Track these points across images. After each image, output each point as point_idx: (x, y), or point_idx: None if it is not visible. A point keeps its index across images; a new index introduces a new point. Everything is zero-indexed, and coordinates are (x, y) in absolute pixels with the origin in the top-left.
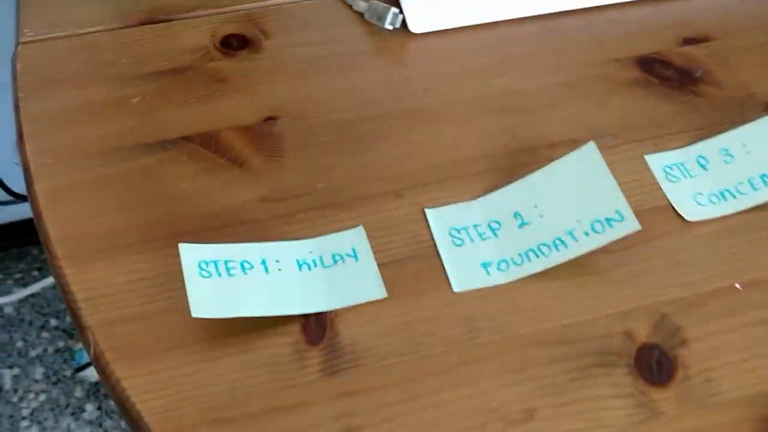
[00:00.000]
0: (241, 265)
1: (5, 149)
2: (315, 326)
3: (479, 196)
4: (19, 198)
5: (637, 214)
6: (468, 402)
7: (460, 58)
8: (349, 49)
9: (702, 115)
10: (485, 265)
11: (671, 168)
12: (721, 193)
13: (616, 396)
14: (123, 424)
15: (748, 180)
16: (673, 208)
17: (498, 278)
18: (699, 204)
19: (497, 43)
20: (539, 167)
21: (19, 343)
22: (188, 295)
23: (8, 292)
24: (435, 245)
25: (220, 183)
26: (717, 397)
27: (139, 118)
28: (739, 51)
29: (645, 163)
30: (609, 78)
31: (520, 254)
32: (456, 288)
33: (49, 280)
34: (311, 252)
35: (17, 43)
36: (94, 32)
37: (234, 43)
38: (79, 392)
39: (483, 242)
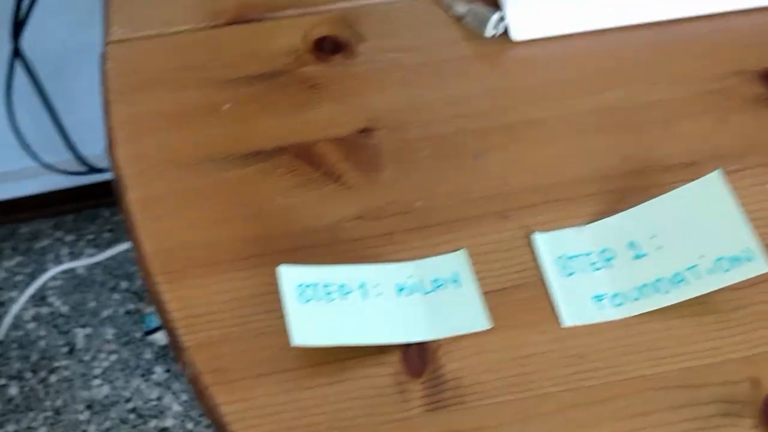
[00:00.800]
0: (340, 288)
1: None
2: (416, 357)
3: (590, 222)
4: (95, 170)
5: (765, 247)
6: None
7: (567, 68)
8: (448, 56)
9: None
10: (598, 299)
11: None
12: None
13: None
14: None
15: None
16: None
17: (612, 314)
18: None
19: (607, 52)
20: (653, 192)
21: (92, 304)
22: (287, 322)
23: (81, 254)
24: (542, 273)
25: (315, 198)
26: None
27: (230, 126)
28: None
29: None
30: (730, 93)
31: (636, 288)
32: (566, 322)
33: (122, 246)
34: (410, 276)
35: (106, 42)
36: (184, 31)
37: (328, 47)
38: (148, 354)
39: (594, 273)
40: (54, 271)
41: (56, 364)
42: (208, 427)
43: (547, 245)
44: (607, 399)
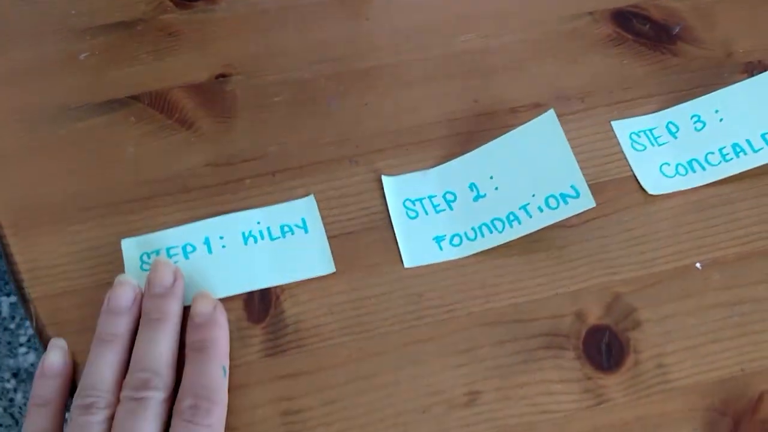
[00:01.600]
0: (183, 249)
1: None
2: (259, 303)
3: (437, 165)
4: None
5: (598, 185)
6: (412, 384)
7: (424, 12)
8: (309, 2)
9: (677, 77)
10: (438, 240)
11: (638, 135)
12: (689, 163)
13: (563, 381)
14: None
15: (719, 149)
16: (636, 179)
17: (450, 253)
18: (665, 175)
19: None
20: (499, 134)
21: None
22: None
23: None
24: (389, 217)
25: (167, 146)
26: (668, 384)
27: (86, 77)
28: (724, 3)
29: (611, 130)
30: (580, 34)
31: (473, 229)
32: (407, 263)
33: None
34: (258, 223)
35: None
36: None
37: None
38: None
39: (437, 215)
40: None
41: None
42: None
43: (394, 189)
44: (440, 336)
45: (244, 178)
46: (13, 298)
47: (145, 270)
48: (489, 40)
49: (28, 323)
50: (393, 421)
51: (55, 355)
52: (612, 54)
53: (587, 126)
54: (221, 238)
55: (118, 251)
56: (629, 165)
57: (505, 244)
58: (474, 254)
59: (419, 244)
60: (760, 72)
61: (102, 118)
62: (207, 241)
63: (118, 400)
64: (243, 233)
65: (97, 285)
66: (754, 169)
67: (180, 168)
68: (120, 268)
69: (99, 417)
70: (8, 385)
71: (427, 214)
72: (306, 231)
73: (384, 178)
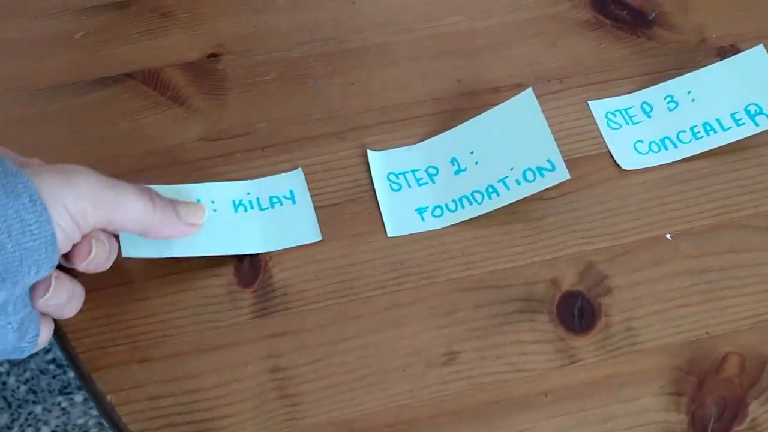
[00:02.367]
0: None
1: None
2: (248, 269)
3: (421, 141)
4: None
5: (574, 161)
6: (392, 345)
7: None
8: None
9: (652, 60)
10: (420, 211)
11: (614, 114)
12: (662, 141)
13: (537, 342)
14: None
15: (690, 128)
16: (611, 155)
17: (432, 224)
18: (638, 152)
19: None
20: (482, 112)
21: None
22: (119, 236)
23: None
24: (373, 189)
25: (160, 121)
26: (637, 345)
27: (82, 54)
28: None
29: (588, 109)
30: (561, 18)
31: (454, 201)
32: (390, 233)
33: None
34: (248, 193)
35: None
36: None
37: None
38: None
39: (420, 188)
40: None
41: None
42: None
43: (379, 163)
44: (419, 300)
45: (234, 153)
46: None
47: None
48: (474, 23)
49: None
50: (374, 379)
51: None
52: (590, 37)
53: (565, 105)
54: (213, 202)
55: None
56: (604, 142)
57: (484, 215)
58: (454, 225)
59: (402, 215)
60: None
61: (96, 94)
62: (198, 201)
63: None
64: (233, 201)
65: None
66: (726, 145)
67: (172, 142)
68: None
69: None
70: (1, 369)
71: (410, 186)
72: (294, 202)
73: (369, 153)
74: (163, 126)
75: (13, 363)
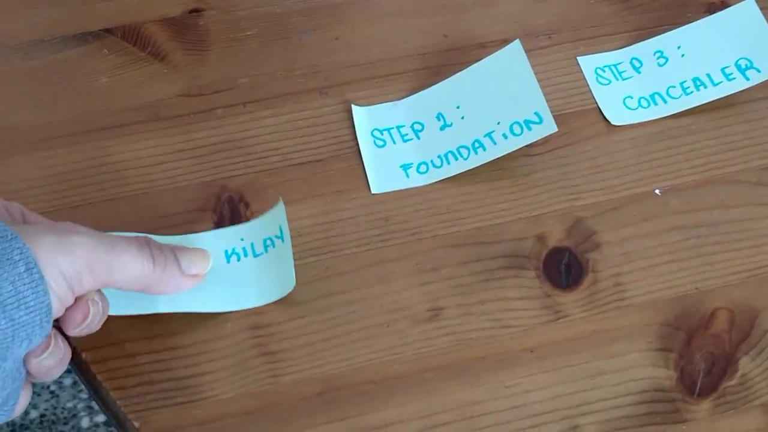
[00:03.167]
0: None
1: None
2: (229, 225)
3: (406, 96)
4: None
5: (563, 117)
6: (377, 301)
7: None
8: None
9: (642, 16)
10: (405, 167)
11: (603, 70)
12: (651, 97)
13: (523, 298)
14: None
15: (680, 83)
16: (600, 111)
17: (417, 180)
18: (628, 108)
19: None
20: (467, 68)
21: None
22: None
23: None
24: (358, 145)
25: (140, 77)
26: (625, 301)
27: (60, 9)
28: None
29: (577, 65)
30: None
31: (440, 156)
32: (374, 189)
33: None
34: (242, 239)
35: None
36: None
37: None
38: None
39: (405, 144)
40: None
41: None
42: None
43: (364, 118)
44: (405, 257)
45: (215, 108)
46: None
47: None
48: None
49: None
50: (357, 335)
51: None
52: None
53: (554, 61)
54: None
55: (91, 176)
56: (594, 98)
57: (470, 171)
58: (440, 181)
59: (386, 171)
60: None
61: (76, 50)
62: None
63: None
64: (226, 251)
65: (69, 207)
66: (715, 101)
67: (152, 98)
68: (90, 191)
69: None
70: None
71: (394, 143)
72: (282, 240)
73: (354, 108)
74: (143, 82)
75: None
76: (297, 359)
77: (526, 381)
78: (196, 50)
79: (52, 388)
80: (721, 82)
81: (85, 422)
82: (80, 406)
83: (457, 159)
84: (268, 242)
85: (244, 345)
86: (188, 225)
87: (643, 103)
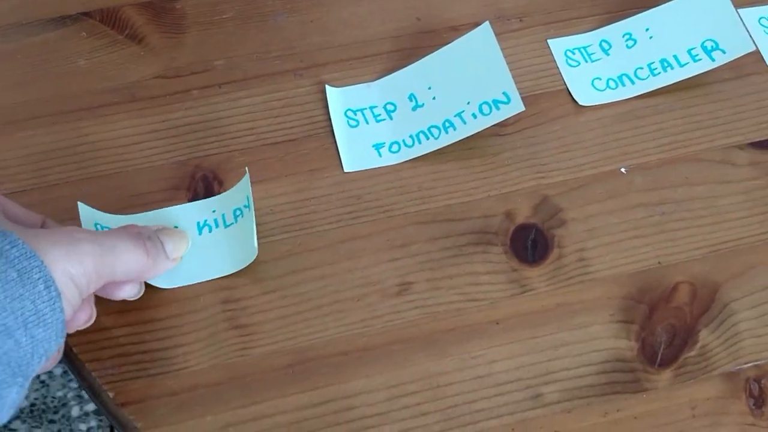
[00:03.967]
0: None
1: None
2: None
3: (379, 78)
4: None
5: (533, 98)
6: (348, 276)
7: None
8: None
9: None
10: (377, 147)
11: (573, 52)
12: (620, 78)
13: (490, 273)
14: None
15: (648, 65)
16: (569, 92)
17: (389, 159)
18: (596, 89)
19: None
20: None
21: None
22: None
23: None
24: (331, 126)
25: (117, 60)
26: (589, 275)
27: None
28: None
29: (547, 48)
30: None
31: (411, 136)
32: (347, 168)
33: None
34: (214, 211)
35: None
36: None
37: None
38: None
39: (378, 124)
40: None
41: None
42: None
43: (337, 99)
44: (376, 233)
45: (191, 89)
46: None
47: None
48: None
49: None
50: (328, 309)
51: None
52: None
53: (524, 44)
54: (176, 227)
55: (68, 156)
56: (563, 79)
57: (441, 150)
58: (411, 160)
59: (359, 150)
60: None
61: (54, 33)
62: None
63: None
64: (198, 223)
65: (47, 186)
66: (681, 82)
67: (129, 80)
68: (71, 168)
69: None
70: None
71: (367, 123)
72: (249, 208)
73: (328, 89)
74: (120, 64)
75: None
76: (268, 332)
77: (492, 352)
78: (173, 33)
79: (42, 377)
80: (687, 63)
81: (75, 411)
82: (70, 395)
83: (428, 138)
84: (238, 213)
85: (216, 318)
86: (163, 203)
87: (611, 84)
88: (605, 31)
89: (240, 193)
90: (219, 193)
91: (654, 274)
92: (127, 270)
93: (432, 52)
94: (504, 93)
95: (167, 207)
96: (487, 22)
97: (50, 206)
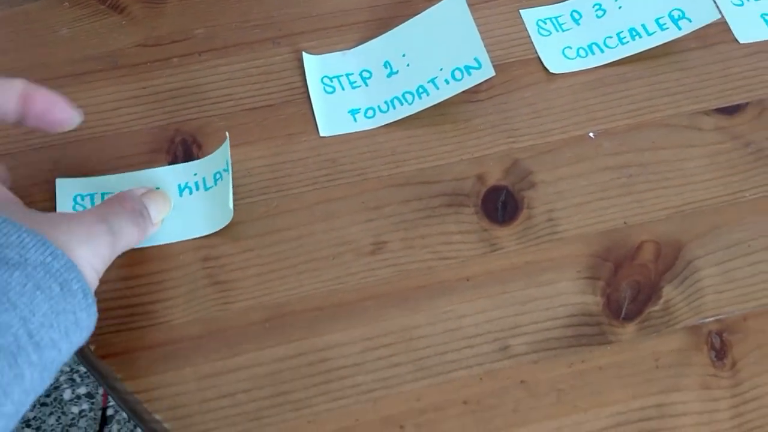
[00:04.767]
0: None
1: None
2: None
3: (356, 46)
4: None
5: (505, 66)
6: (323, 236)
7: None
8: None
9: None
10: (353, 112)
11: (545, 22)
12: (589, 47)
13: (461, 232)
14: None
15: (617, 34)
16: (540, 61)
17: (363, 124)
18: (566, 57)
19: None
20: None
21: None
22: None
23: None
24: (308, 92)
25: (99, 29)
26: (557, 234)
27: None
28: None
29: (520, 17)
30: None
31: (386, 102)
32: (323, 133)
33: None
34: (195, 174)
35: None
36: None
37: None
38: None
39: (354, 90)
40: None
41: None
42: None
43: (314, 66)
44: (351, 195)
45: (171, 57)
46: None
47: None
48: None
49: None
50: (304, 267)
51: None
52: None
53: (498, 14)
54: (157, 188)
55: None
56: (534, 48)
57: (415, 116)
58: (386, 125)
59: (335, 116)
60: None
61: (36, 3)
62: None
63: None
64: (179, 185)
65: (31, 149)
66: (649, 51)
67: (111, 48)
68: (51, 135)
69: None
70: None
71: (343, 89)
72: (228, 171)
73: (305, 56)
74: (102, 33)
75: None
76: (246, 288)
77: (462, 307)
78: (154, 3)
79: None
80: (655, 32)
81: (66, 394)
82: (62, 378)
83: (402, 104)
84: (218, 176)
85: (196, 275)
86: (143, 165)
87: (581, 53)
88: (576, 1)
89: (221, 157)
90: (198, 157)
91: (620, 234)
92: (126, 246)
93: (406, 20)
94: (475, 59)
95: (150, 169)
96: None
97: (34, 168)
